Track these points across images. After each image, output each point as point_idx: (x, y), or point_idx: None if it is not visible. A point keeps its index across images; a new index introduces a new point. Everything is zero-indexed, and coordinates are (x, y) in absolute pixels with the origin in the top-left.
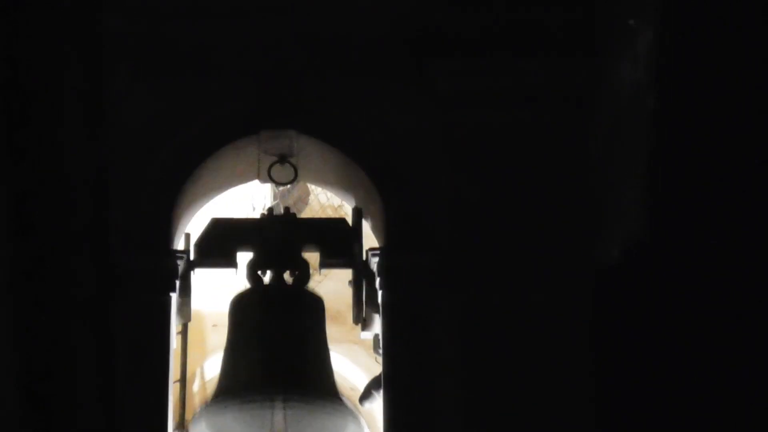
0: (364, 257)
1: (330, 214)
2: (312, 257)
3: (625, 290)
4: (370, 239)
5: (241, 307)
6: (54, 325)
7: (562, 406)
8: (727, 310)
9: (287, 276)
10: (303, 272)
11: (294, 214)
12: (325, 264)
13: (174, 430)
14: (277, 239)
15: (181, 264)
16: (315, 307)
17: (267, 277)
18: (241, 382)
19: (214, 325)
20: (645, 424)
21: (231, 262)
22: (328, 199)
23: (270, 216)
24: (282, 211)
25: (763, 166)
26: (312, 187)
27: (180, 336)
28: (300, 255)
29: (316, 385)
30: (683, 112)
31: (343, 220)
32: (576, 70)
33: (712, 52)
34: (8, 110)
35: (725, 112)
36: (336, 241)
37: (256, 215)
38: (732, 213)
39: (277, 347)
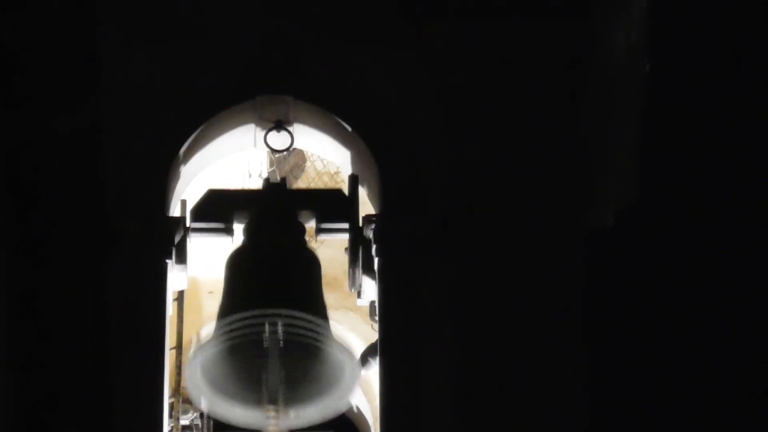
0: (360, 224)
1: (326, 180)
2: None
3: (618, 254)
4: (366, 206)
5: (236, 260)
6: (49, 289)
7: (554, 370)
8: (719, 274)
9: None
10: (299, 234)
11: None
12: (320, 231)
13: (170, 396)
14: (273, 206)
15: (177, 230)
16: (310, 262)
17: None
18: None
19: (210, 292)
20: (636, 387)
21: (227, 230)
22: (324, 165)
23: (266, 185)
24: (278, 178)
25: (755, 130)
26: (308, 153)
27: (176, 303)
28: (296, 219)
29: (310, 315)
30: (676, 77)
31: (339, 191)
32: (571, 34)
33: (705, 17)
34: (1, 74)
35: (718, 77)
36: (332, 211)
37: (252, 182)
38: (724, 177)
39: (271, 294)
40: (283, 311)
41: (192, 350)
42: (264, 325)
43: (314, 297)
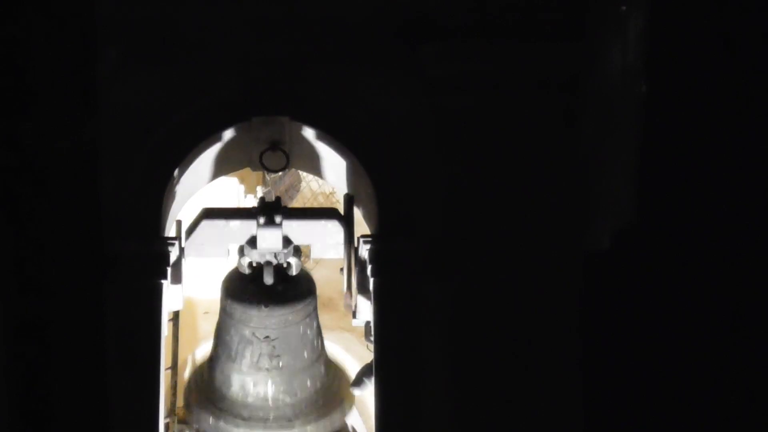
0: (356, 244)
1: (321, 201)
2: (304, 245)
3: (615, 276)
4: (361, 226)
5: (231, 290)
6: (44, 310)
7: (550, 390)
8: (718, 294)
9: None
10: (294, 260)
11: (285, 208)
12: (316, 253)
13: (165, 417)
14: (269, 234)
15: (172, 251)
16: (306, 289)
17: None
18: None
19: (205, 312)
20: (633, 404)
21: (222, 252)
22: (319, 186)
23: (261, 209)
24: (273, 198)
25: (753, 151)
26: (303, 174)
27: (171, 323)
28: (291, 246)
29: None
30: (673, 97)
31: (334, 210)
32: (567, 56)
33: (701, 38)
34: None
35: (715, 98)
36: (327, 233)
37: (248, 202)
38: (722, 199)
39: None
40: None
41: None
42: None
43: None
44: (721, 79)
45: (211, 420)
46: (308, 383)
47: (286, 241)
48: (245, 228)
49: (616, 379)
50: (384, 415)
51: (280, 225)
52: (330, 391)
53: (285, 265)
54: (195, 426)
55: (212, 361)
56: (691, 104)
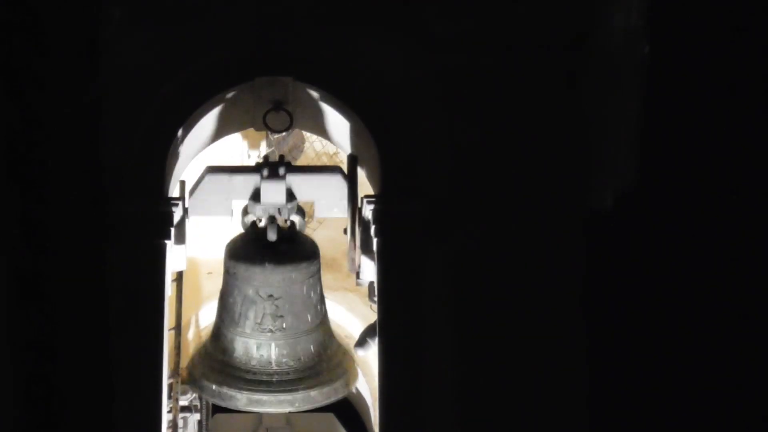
0: (360, 204)
1: (325, 161)
2: (307, 204)
3: (618, 236)
4: (365, 186)
5: (235, 250)
6: (48, 270)
7: (553, 350)
8: (720, 256)
9: (282, 222)
10: (298, 218)
11: (288, 163)
12: (320, 211)
13: (169, 377)
14: (272, 187)
15: (176, 211)
16: (310, 250)
17: (261, 223)
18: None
19: (209, 273)
20: (635, 368)
21: (226, 210)
22: (323, 146)
23: (265, 164)
24: (277, 158)
25: (756, 112)
26: (307, 134)
27: (175, 284)
28: (294, 201)
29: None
30: (675, 58)
31: (338, 168)
32: (570, 16)
33: None
34: (3, 53)
35: (718, 58)
36: (331, 190)
37: (251, 163)
38: (725, 158)
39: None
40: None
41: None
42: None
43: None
44: (726, 40)
45: (214, 387)
46: (311, 348)
47: (290, 195)
48: (249, 183)
49: (619, 340)
50: (387, 376)
51: (283, 177)
52: (333, 360)
53: (288, 223)
54: (196, 388)
55: (216, 329)
56: (694, 64)
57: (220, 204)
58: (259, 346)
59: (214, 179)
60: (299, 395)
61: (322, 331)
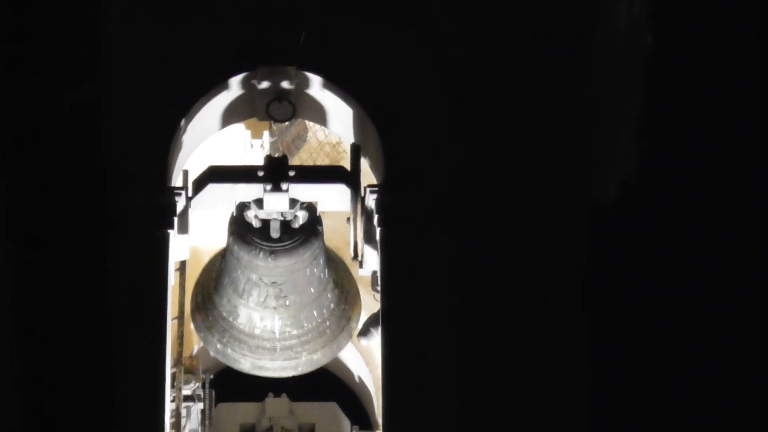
0: (362, 194)
1: (328, 151)
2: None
3: (619, 228)
4: (368, 176)
5: (238, 235)
6: (52, 261)
7: (555, 339)
8: (720, 247)
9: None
10: (302, 212)
11: (291, 169)
12: (323, 208)
13: (172, 366)
14: (275, 198)
15: (179, 201)
16: (313, 234)
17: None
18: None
19: None
20: (637, 356)
21: (228, 202)
22: (326, 136)
23: (268, 175)
24: (279, 148)
25: (759, 103)
26: (310, 124)
27: (178, 273)
28: (297, 205)
29: None
30: (678, 48)
31: (341, 168)
32: (573, 7)
33: None
34: (6, 49)
35: (720, 48)
36: (334, 193)
37: (254, 152)
38: (726, 148)
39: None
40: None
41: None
42: None
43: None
44: (728, 30)
45: (218, 345)
46: (315, 313)
47: (293, 202)
48: (252, 190)
49: (620, 329)
50: (390, 365)
51: (286, 191)
52: (337, 312)
53: (291, 218)
54: (200, 336)
55: (219, 284)
56: (695, 55)
57: (222, 205)
58: (262, 318)
59: (216, 186)
60: (302, 359)
61: (327, 291)
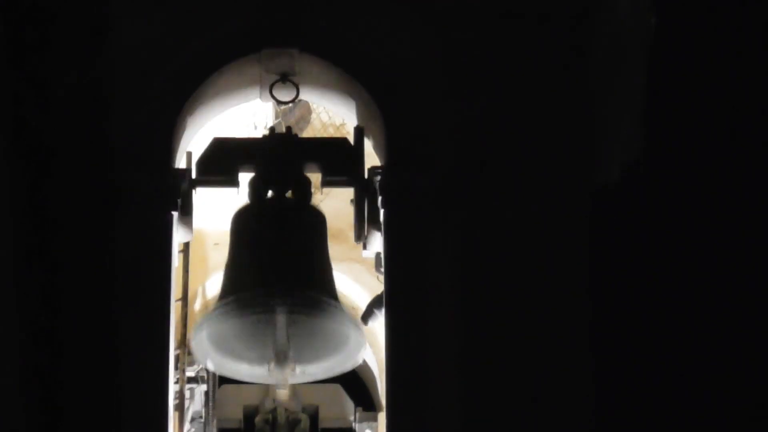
0: (366, 175)
1: (332, 132)
2: (314, 175)
3: (623, 211)
4: (372, 158)
5: (241, 221)
6: (54, 242)
7: (558, 322)
8: (724, 232)
9: (289, 193)
10: (304, 189)
11: (296, 135)
12: (326, 182)
13: (176, 348)
14: (279, 158)
15: (182, 182)
16: (316, 221)
17: (268, 195)
18: (241, 292)
19: (215, 244)
20: (640, 341)
21: (233, 181)
22: (329, 117)
23: (272, 135)
24: (284, 129)
25: (764, 84)
26: (314, 105)
27: (182, 254)
28: (301, 173)
29: (318, 292)
30: (682, 30)
31: (344, 140)
32: None
33: None
34: (9, 27)
35: (725, 30)
36: (337, 161)
37: (258, 134)
38: (730, 130)
39: (277, 258)
40: (294, 290)
41: (199, 321)
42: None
43: (320, 264)
44: (734, 12)
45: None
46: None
47: (296, 174)
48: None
49: (623, 313)
50: (394, 347)
51: (291, 163)
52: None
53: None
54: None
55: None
56: (700, 36)
57: (226, 175)
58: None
59: (220, 150)
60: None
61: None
